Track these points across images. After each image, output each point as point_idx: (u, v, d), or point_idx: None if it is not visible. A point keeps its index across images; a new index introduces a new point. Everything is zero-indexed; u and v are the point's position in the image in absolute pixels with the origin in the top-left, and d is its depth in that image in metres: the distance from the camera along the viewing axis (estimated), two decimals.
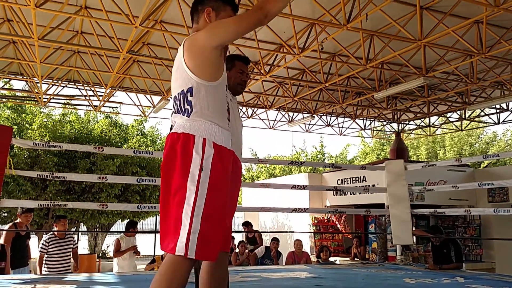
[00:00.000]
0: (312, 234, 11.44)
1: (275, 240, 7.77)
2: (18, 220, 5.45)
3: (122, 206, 6.29)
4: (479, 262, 10.08)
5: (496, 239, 10.13)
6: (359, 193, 10.46)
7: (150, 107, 12.59)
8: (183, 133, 1.84)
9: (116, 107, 13.05)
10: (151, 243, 15.56)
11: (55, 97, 12.01)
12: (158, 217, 11.47)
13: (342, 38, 8.21)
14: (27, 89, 12.22)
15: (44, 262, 5.31)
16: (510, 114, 13.64)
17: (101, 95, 11.89)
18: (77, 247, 5.78)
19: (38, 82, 10.58)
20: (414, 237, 5.96)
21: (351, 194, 10.90)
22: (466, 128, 16.05)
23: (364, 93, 11.52)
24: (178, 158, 1.80)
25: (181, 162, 1.79)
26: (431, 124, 15.66)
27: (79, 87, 11.83)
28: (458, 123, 15.16)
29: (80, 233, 11.36)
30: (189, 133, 1.83)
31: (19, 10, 7.37)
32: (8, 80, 11.87)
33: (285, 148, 45.08)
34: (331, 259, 8.96)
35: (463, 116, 14.46)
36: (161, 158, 2.09)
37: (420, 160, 21.18)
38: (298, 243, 7.75)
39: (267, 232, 12.65)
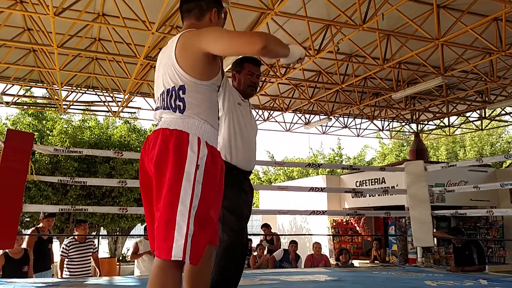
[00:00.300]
0: (331, 237, 11.36)
1: (294, 243, 7.74)
2: (40, 225, 5.54)
3: (141, 209, 6.31)
4: (503, 264, 9.86)
5: None
6: (378, 195, 10.35)
7: None
8: (176, 129, 1.76)
9: (135, 112, 13.21)
10: None
11: (74, 104, 12.22)
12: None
13: (358, 38, 8.15)
14: (47, 96, 12.46)
15: (65, 266, 5.39)
16: None
17: (120, 101, 12.04)
18: (97, 251, 5.85)
19: (58, 89, 10.77)
20: (435, 239, 5.86)
21: (370, 196, 10.80)
22: (487, 128, 15.75)
23: (381, 93, 11.42)
24: (171, 156, 1.71)
25: (175, 160, 1.71)
26: (450, 124, 15.42)
27: (98, 93, 12.01)
28: (478, 123, 14.90)
29: (100, 237, 11.48)
30: (183, 131, 1.75)
31: (38, 19, 7.52)
32: (29, 87, 12.12)
33: (302, 151, 44.88)
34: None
35: (483, 115, 14.21)
36: None
37: (440, 160, 20.87)
38: (317, 246, 7.70)
39: (285, 235, 12.61)
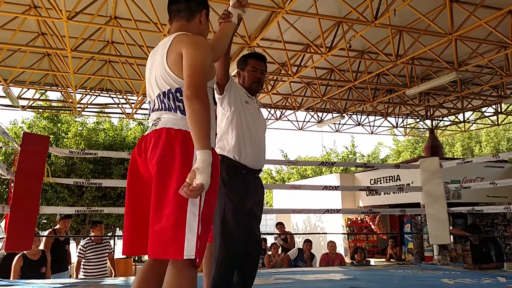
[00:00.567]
0: (346, 235, 11.30)
1: (308, 242, 7.72)
2: (57, 226, 5.62)
3: None
4: None
5: None
6: (393, 193, 10.27)
7: None
8: (181, 129, 1.76)
9: (148, 114, 13.30)
10: None
11: (89, 106, 12.38)
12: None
13: (370, 35, 8.09)
14: (62, 99, 12.63)
15: (81, 266, 5.45)
16: None
17: (133, 103, 12.15)
18: (113, 251, 5.90)
19: (72, 92, 10.91)
20: (452, 237, 5.79)
21: (384, 193, 10.71)
22: (503, 123, 15.50)
23: (395, 90, 11.32)
24: (178, 156, 1.71)
25: (182, 160, 1.70)
26: (465, 119, 15.23)
27: (111, 95, 12.13)
28: (494, 118, 14.68)
29: (116, 237, 11.60)
30: (187, 131, 1.74)
31: (52, 24, 7.63)
32: (44, 91, 12.29)
33: (315, 149, 44.80)
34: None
35: (499, 110, 14.00)
36: None
37: (455, 157, 20.63)
38: (331, 245, 7.67)
39: (300, 234, 12.58)
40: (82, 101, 11.87)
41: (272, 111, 13.66)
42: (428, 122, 15.48)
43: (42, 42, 8.72)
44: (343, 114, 13.09)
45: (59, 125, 12.96)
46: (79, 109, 12.15)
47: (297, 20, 7.69)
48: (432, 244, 5.37)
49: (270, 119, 13.91)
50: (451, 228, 6.14)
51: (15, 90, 10.92)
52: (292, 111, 13.47)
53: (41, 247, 5.19)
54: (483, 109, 14.30)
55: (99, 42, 8.60)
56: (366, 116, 14.58)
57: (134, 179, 1.89)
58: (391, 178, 10.60)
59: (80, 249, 5.52)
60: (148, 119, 1.97)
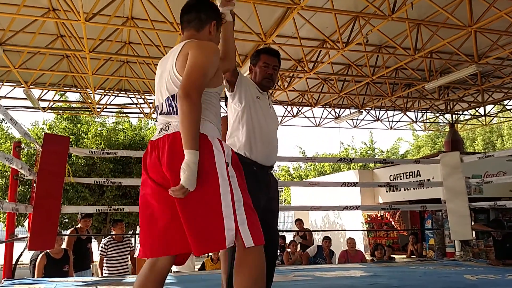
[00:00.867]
0: (365, 232, 11.22)
1: (327, 239, 7.68)
2: (78, 225, 5.72)
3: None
4: None
5: None
6: (414, 188, 10.14)
7: None
8: None
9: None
10: None
11: (107, 107, 12.55)
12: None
13: (388, 29, 8.00)
14: (81, 100, 12.83)
15: (104, 264, 5.54)
16: None
17: (151, 102, 12.26)
18: (134, 249, 5.98)
19: (91, 93, 11.07)
20: (474, 232, 5.70)
21: (405, 189, 10.59)
22: None
23: (414, 84, 11.17)
24: (199, 158, 1.73)
25: (204, 162, 1.73)
26: (486, 113, 14.93)
27: (130, 95, 12.28)
28: None
29: (137, 235, 11.74)
30: (202, 133, 1.77)
31: (70, 26, 7.74)
32: (63, 92, 12.50)
33: (333, 146, 44.50)
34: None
35: None
36: None
37: (476, 151, 20.25)
38: (351, 242, 7.61)
39: (319, 230, 12.54)
40: (101, 102, 12.05)
41: (289, 108, 13.62)
42: (448, 116, 15.23)
43: (61, 44, 8.86)
44: (361, 110, 12.97)
45: (79, 125, 13.15)
46: (98, 110, 12.32)
47: (312, 15, 7.65)
48: (453, 240, 5.28)
49: (287, 116, 13.88)
50: (473, 223, 6.04)
51: (36, 92, 11.14)
52: (309, 107, 13.40)
53: (64, 246, 5.28)
54: (505, 102, 14.02)
55: (117, 43, 8.70)
56: (384, 111, 14.43)
57: (149, 186, 1.89)
58: (411, 173, 10.47)
59: (102, 247, 5.60)
60: (155, 123, 1.99)
